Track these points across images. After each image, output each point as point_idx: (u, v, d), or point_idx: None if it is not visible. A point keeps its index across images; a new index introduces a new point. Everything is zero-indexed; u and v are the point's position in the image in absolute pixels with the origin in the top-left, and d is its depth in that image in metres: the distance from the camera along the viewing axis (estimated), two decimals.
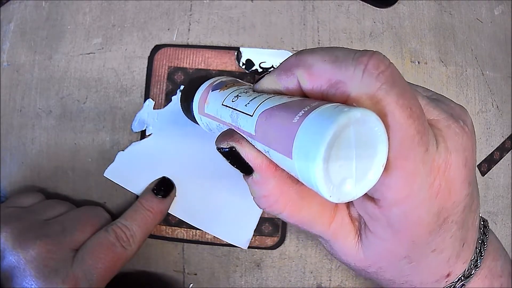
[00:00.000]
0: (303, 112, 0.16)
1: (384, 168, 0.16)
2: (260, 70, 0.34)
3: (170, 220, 0.34)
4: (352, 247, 0.21)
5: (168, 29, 0.34)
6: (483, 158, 0.35)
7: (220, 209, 0.33)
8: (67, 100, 0.34)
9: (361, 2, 0.35)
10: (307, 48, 0.34)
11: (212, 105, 0.23)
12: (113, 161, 0.33)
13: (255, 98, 0.20)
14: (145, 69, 0.34)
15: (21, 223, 0.28)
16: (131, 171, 0.33)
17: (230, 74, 0.34)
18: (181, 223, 0.33)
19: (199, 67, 0.34)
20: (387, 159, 0.16)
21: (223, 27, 0.34)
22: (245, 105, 0.20)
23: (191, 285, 0.34)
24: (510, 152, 0.36)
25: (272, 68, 0.20)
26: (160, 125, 0.33)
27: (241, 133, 0.20)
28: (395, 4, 0.35)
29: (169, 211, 0.33)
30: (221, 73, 0.34)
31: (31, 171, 0.34)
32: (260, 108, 0.19)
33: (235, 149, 0.20)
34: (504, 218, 0.36)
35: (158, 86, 0.34)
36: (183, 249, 0.34)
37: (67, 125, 0.34)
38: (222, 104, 0.22)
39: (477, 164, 0.35)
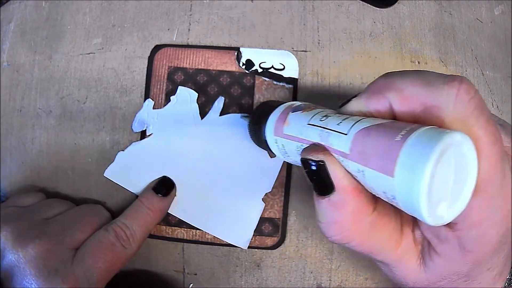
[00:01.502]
0: (405, 131, 0.16)
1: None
2: (260, 70, 0.34)
3: (170, 220, 0.34)
4: (414, 270, 0.21)
5: (168, 29, 0.34)
6: None
7: (220, 209, 0.33)
8: (67, 100, 0.34)
9: (361, 2, 0.35)
10: (307, 48, 0.34)
11: (294, 125, 0.23)
12: (113, 161, 0.33)
13: (346, 118, 0.20)
14: (145, 69, 0.34)
15: (21, 222, 0.28)
16: (131, 171, 0.33)
17: (230, 74, 0.34)
18: (181, 223, 0.33)
19: (199, 67, 0.34)
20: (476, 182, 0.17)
21: (223, 27, 0.34)
22: (337, 124, 0.20)
23: (191, 285, 0.34)
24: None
25: (356, 95, 0.21)
26: (160, 125, 0.33)
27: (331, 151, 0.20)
28: (395, 4, 0.35)
29: (169, 211, 0.33)
30: (221, 73, 0.34)
31: (31, 171, 0.34)
32: (355, 127, 0.19)
33: (324, 163, 0.19)
34: None
35: (158, 86, 0.34)
36: (183, 249, 0.34)
37: (67, 125, 0.34)
38: (308, 124, 0.22)
39: None
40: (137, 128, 0.33)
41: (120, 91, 0.34)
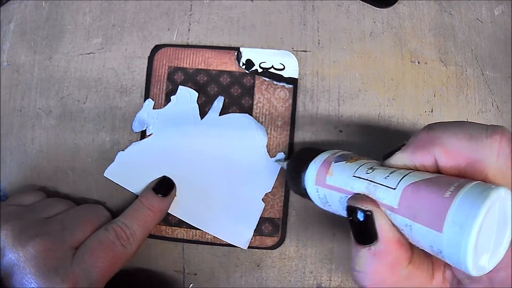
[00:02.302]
0: (454, 188, 0.17)
1: None
2: (260, 70, 0.34)
3: (170, 220, 0.34)
4: None
5: (168, 29, 0.34)
6: None
7: (220, 209, 0.33)
8: (67, 100, 0.34)
9: (361, 2, 0.35)
10: (307, 48, 0.34)
11: (338, 176, 0.24)
12: (113, 161, 0.33)
13: (393, 172, 0.20)
14: (145, 69, 0.34)
15: (21, 221, 0.28)
16: (131, 171, 0.33)
17: (230, 74, 0.34)
18: (181, 223, 0.33)
19: (199, 67, 0.34)
20: None
21: (223, 27, 0.34)
22: (385, 178, 0.20)
23: (191, 285, 0.34)
24: None
25: (402, 147, 0.21)
26: (160, 125, 0.33)
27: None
28: (395, 4, 0.35)
29: (169, 211, 0.33)
30: (221, 73, 0.34)
31: (31, 171, 0.34)
32: (404, 182, 0.19)
33: (371, 213, 0.20)
34: None
35: (158, 86, 0.34)
36: (183, 249, 0.34)
37: (67, 125, 0.34)
38: (354, 176, 0.22)
39: None
40: (137, 128, 0.33)
41: (120, 91, 0.34)
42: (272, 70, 0.34)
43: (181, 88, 0.33)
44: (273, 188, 0.33)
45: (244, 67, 0.34)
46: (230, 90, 0.34)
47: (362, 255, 0.20)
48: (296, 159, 0.28)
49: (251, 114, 0.33)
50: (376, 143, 0.33)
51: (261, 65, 0.34)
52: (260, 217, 0.33)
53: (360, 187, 0.21)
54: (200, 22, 0.34)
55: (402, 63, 0.34)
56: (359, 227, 0.20)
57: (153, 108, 0.34)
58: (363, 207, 0.20)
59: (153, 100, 0.34)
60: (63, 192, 0.34)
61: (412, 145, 0.20)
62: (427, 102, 0.34)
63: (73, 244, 0.28)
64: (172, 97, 0.33)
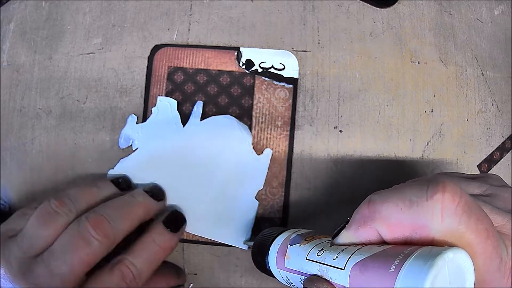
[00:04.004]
0: (398, 261, 0.17)
1: None
2: (260, 70, 0.34)
3: None
4: None
5: (168, 29, 0.34)
6: (483, 158, 0.35)
7: (214, 213, 0.33)
8: (67, 100, 0.34)
9: (361, 2, 0.35)
10: (307, 48, 0.34)
11: (294, 259, 0.24)
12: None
13: (342, 251, 0.21)
14: (145, 69, 0.34)
15: (10, 263, 0.26)
16: None
17: (230, 74, 0.34)
18: None
19: (199, 67, 0.34)
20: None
21: (223, 27, 0.34)
22: (334, 259, 0.21)
23: (191, 285, 0.34)
24: (510, 152, 0.36)
25: (346, 225, 0.22)
26: (144, 138, 0.33)
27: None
28: (395, 4, 0.35)
29: None
30: (221, 73, 0.34)
31: (31, 171, 0.34)
32: (351, 261, 0.19)
33: None
34: None
35: (158, 86, 0.34)
36: (183, 249, 0.34)
37: (67, 125, 0.34)
38: (307, 259, 0.23)
39: (477, 164, 0.35)
40: (123, 144, 0.33)
41: (120, 91, 0.34)
42: (272, 70, 0.34)
43: (160, 98, 0.33)
44: (273, 188, 0.33)
45: (244, 67, 0.34)
46: (230, 90, 0.34)
47: None
48: (258, 242, 0.29)
49: (251, 114, 0.33)
50: (376, 143, 0.34)
51: (261, 65, 0.34)
52: (260, 217, 0.33)
53: (313, 269, 0.22)
54: (200, 22, 0.34)
55: (402, 63, 0.34)
56: None
57: (137, 123, 0.33)
58: None
59: (135, 115, 0.34)
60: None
61: (355, 222, 0.20)
62: (427, 102, 0.34)
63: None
64: (153, 109, 0.33)
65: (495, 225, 0.20)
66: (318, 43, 0.34)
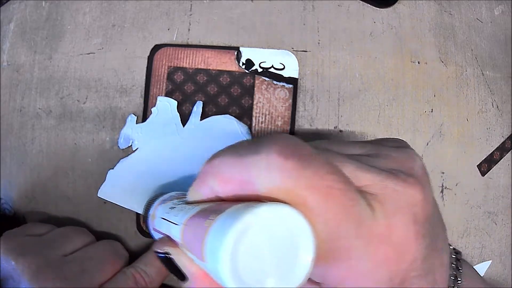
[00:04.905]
0: (213, 216, 0.16)
1: (316, 255, 0.15)
2: (260, 70, 0.34)
3: None
4: None
5: (168, 29, 0.34)
6: (483, 158, 0.35)
7: None
8: (67, 100, 0.34)
9: (361, 2, 0.35)
10: (307, 48, 0.34)
11: (157, 219, 0.24)
12: (104, 180, 0.33)
13: (184, 208, 0.20)
14: (145, 69, 0.34)
15: (38, 258, 0.27)
16: (123, 188, 0.33)
17: (230, 74, 0.34)
18: None
19: (199, 66, 0.34)
20: (317, 246, 0.15)
21: (223, 27, 0.34)
22: (175, 216, 0.20)
23: None
24: (510, 152, 0.36)
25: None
26: (144, 138, 0.33)
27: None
28: (395, 4, 0.35)
29: None
30: (221, 73, 0.34)
31: (31, 171, 0.34)
32: (184, 217, 0.19)
33: (170, 255, 0.19)
34: (504, 218, 0.36)
35: (158, 86, 0.34)
36: None
37: (67, 125, 0.34)
38: (161, 218, 0.22)
39: (477, 164, 0.35)
40: (123, 144, 0.33)
41: (120, 91, 0.34)
42: (272, 70, 0.34)
43: (160, 98, 0.33)
44: None
45: (244, 66, 0.34)
46: (230, 90, 0.34)
47: None
48: (145, 206, 0.28)
49: (251, 114, 0.33)
50: None
51: (261, 65, 0.34)
52: None
53: (165, 227, 0.21)
54: (200, 22, 0.34)
55: (402, 63, 0.34)
56: (169, 268, 0.20)
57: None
58: (159, 250, 0.20)
59: (135, 115, 0.34)
60: (63, 192, 0.34)
61: (197, 178, 0.19)
62: (427, 102, 0.34)
63: (92, 287, 0.27)
64: (152, 109, 0.33)
65: (360, 184, 0.17)
66: (318, 43, 0.34)
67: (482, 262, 0.35)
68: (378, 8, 0.35)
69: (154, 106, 0.33)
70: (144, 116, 0.34)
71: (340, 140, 0.22)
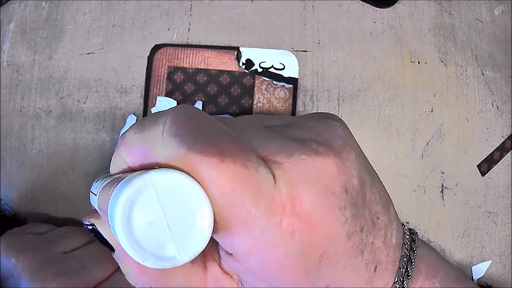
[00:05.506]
0: (117, 183, 0.16)
1: (218, 222, 0.16)
2: (260, 70, 0.34)
3: None
4: None
5: (168, 29, 0.34)
6: (483, 158, 0.35)
7: None
8: (67, 100, 0.34)
9: (361, 2, 0.35)
10: (307, 48, 0.34)
11: (91, 194, 0.24)
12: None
13: (105, 179, 0.20)
14: (145, 69, 0.34)
15: (38, 254, 0.27)
16: None
17: (230, 73, 0.34)
18: None
19: (199, 66, 0.34)
20: (215, 214, 0.16)
21: (223, 27, 0.34)
22: (96, 187, 0.21)
23: None
24: (510, 152, 0.36)
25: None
26: None
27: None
28: (395, 4, 0.35)
29: None
30: (221, 72, 0.34)
31: (31, 171, 0.34)
32: (100, 187, 0.19)
33: (95, 227, 0.20)
34: (504, 218, 0.36)
35: (158, 86, 0.34)
36: None
37: (67, 125, 0.34)
38: (90, 191, 0.23)
39: (477, 164, 0.35)
40: None
41: (120, 91, 0.34)
42: (272, 70, 0.34)
43: (159, 99, 0.33)
44: None
45: (244, 66, 0.34)
46: (230, 90, 0.34)
47: (117, 260, 0.20)
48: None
49: (251, 114, 0.33)
50: (376, 143, 0.33)
51: (261, 65, 0.34)
52: None
53: (92, 200, 0.22)
54: (200, 22, 0.34)
55: (402, 63, 0.34)
56: (100, 239, 0.20)
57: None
58: (86, 222, 0.20)
59: (135, 115, 0.34)
60: (63, 192, 0.34)
61: (115, 150, 0.20)
62: (427, 102, 0.34)
63: (92, 283, 0.27)
64: (152, 109, 0.33)
65: (264, 154, 0.17)
66: (318, 43, 0.34)
67: (482, 262, 0.35)
68: (378, 8, 0.35)
69: (154, 106, 0.33)
70: (144, 116, 0.34)
71: (264, 115, 0.22)
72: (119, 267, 0.29)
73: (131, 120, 0.33)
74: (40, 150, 0.34)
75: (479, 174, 0.35)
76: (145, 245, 0.15)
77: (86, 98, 0.34)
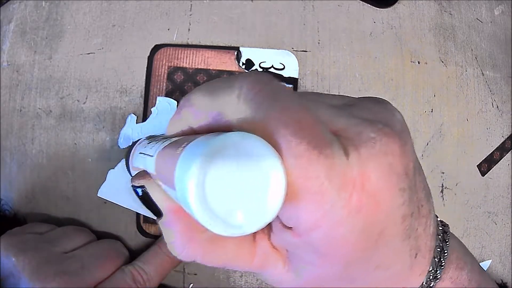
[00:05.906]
0: (186, 143, 0.15)
1: (288, 193, 0.15)
2: (260, 70, 0.34)
3: None
4: (283, 275, 0.20)
5: (168, 29, 0.34)
6: (483, 158, 0.35)
7: None
8: (67, 100, 0.34)
9: (361, 2, 0.35)
10: (307, 48, 0.34)
11: (135, 156, 0.24)
12: (104, 180, 0.33)
13: (161, 140, 0.20)
14: (145, 69, 0.34)
15: (39, 253, 0.27)
16: (124, 188, 0.33)
17: (230, 74, 0.34)
18: None
19: (199, 66, 0.34)
20: (288, 183, 0.15)
21: (223, 27, 0.34)
22: (151, 148, 0.20)
23: (191, 285, 0.34)
24: (510, 152, 0.36)
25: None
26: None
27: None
28: (395, 4, 0.35)
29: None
30: (221, 73, 0.34)
31: (31, 171, 0.34)
32: (159, 148, 0.19)
33: (145, 189, 0.19)
34: (504, 218, 0.36)
35: (158, 86, 0.34)
36: None
37: (67, 125, 0.34)
38: (139, 153, 0.22)
39: (477, 164, 0.35)
40: (123, 144, 0.33)
41: (120, 91, 0.34)
42: (272, 70, 0.34)
43: (159, 99, 0.33)
44: None
45: (244, 66, 0.34)
46: None
47: (162, 228, 0.19)
48: (128, 147, 0.29)
49: None
50: None
51: (261, 65, 0.34)
52: None
53: (141, 162, 0.21)
54: (200, 22, 0.34)
55: (402, 63, 0.34)
56: (145, 203, 0.20)
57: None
58: (136, 183, 0.19)
59: (135, 115, 0.34)
60: (63, 192, 0.34)
61: (175, 112, 0.19)
62: (427, 102, 0.34)
63: (91, 283, 0.27)
64: (152, 109, 0.33)
65: (335, 128, 0.17)
66: (318, 43, 0.34)
67: (482, 262, 0.35)
68: (378, 8, 0.35)
69: (154, 106, 0.33)
70: (144, 116, 0.34)
71: (324, 93, 0.22)
72: (119, 266, 0.29)
73: (131, 120, 0.33)
74: (40, 150, 0.34)
75: (479, 174, 0.35)
76: (216, 210, 0.14)
77: (86, 98, 0.34)
